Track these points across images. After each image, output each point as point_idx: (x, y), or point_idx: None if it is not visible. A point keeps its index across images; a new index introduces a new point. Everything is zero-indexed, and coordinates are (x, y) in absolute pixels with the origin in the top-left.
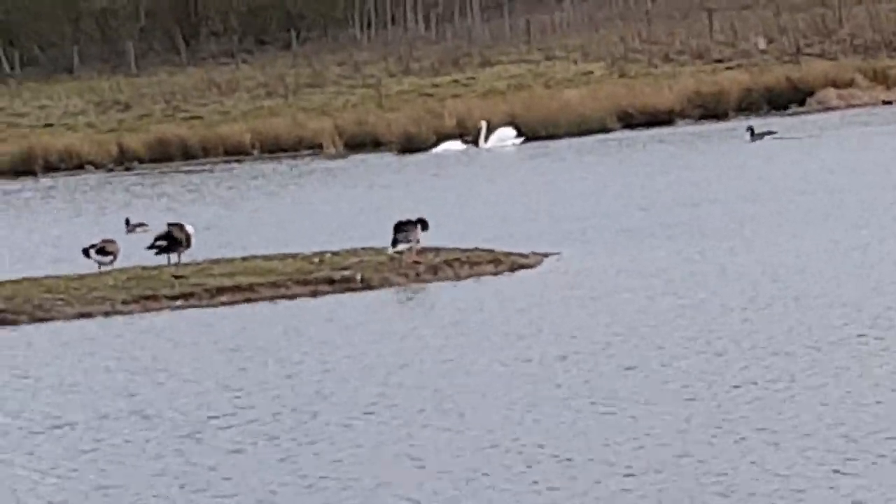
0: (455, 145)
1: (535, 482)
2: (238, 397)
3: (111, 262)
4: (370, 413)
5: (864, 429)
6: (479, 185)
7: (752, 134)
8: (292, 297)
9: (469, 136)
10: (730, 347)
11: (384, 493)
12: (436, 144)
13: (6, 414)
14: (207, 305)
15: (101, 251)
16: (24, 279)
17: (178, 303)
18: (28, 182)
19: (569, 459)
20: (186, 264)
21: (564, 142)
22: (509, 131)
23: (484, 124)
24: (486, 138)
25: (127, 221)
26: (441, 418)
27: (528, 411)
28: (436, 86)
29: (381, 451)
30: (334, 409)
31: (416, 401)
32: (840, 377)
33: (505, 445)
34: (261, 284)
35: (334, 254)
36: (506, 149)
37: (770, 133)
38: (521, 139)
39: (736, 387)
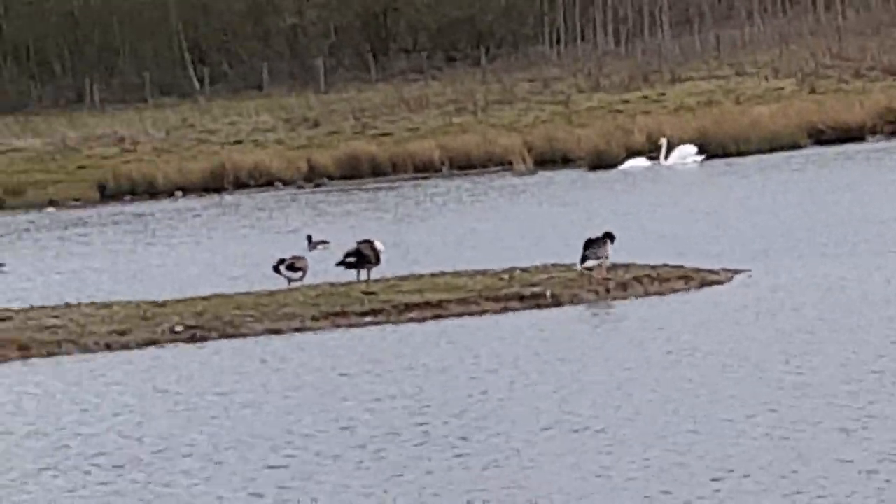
0: (641, 162)
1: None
2: (422, 413)
3: (301, 279)
4: (551, 428)
5: None
6: (665, 201)
7: None
8: (482, 313)
9: (655, 152)
10: None
11: None
12: (625, 161)
13: (197, 430)
14: (396, 322)
15: (291, 267)
16: (214, 296)
17: (368, 319)
18: (216, 198)
19: (745, 476)
20: (375, 280)
21: (749, 158)
22: (690, 148)
23: (664, 141)
24: (667, 155)
25: (309, 238)
26: (625, 434)
27: (711, 430)
28: (625, 102)
29: (562, 469)
30: (517, 426)
31: (601, 418)
32: None
33: (689, 463)
34: (450, 301)
35: (524, 270)
36: (687, 165)
37: None
38: (703, 156)
39: None
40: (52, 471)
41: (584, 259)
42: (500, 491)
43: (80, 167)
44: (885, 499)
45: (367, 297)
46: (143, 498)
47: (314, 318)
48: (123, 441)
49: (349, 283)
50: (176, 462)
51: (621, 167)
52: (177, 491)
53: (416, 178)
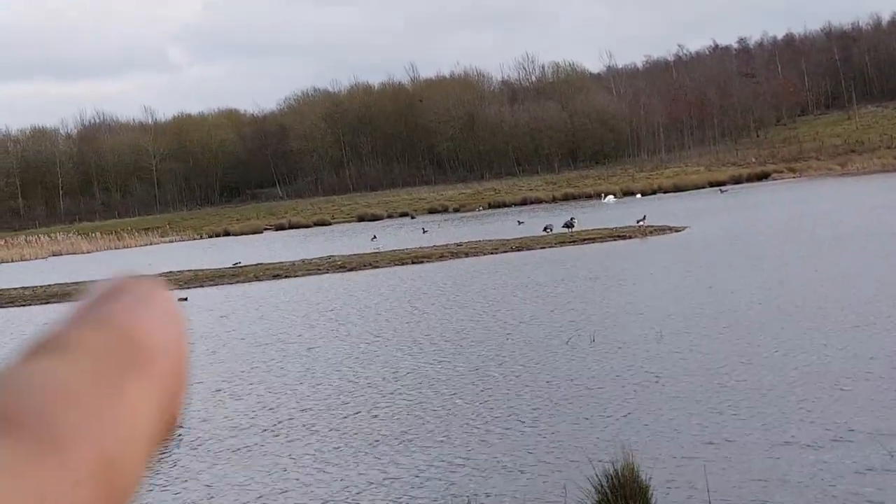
0: (611, 198)
1: None
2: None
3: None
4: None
5: None
6: (624, 208)
7: None
8: (601, 240)
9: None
10: None
11: None
12: (604, 196)
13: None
14: (581, 244)
15: (549, 228)
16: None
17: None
18: None
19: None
20: (575, 230)
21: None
22: (612, 196)
23: (611, 195)
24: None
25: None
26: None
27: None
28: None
29: None
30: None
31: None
32: None
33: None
34: (600, 236)
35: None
36: (637, 199)
37: None
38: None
39: None
40: None
41: (640, 219)
42: None
43: None
44: None
45: (572, 234)
46: None
47: (558, 244)
48: None
49: (563, 232)
50: None
51: (603, 200)
52: None
53: None
